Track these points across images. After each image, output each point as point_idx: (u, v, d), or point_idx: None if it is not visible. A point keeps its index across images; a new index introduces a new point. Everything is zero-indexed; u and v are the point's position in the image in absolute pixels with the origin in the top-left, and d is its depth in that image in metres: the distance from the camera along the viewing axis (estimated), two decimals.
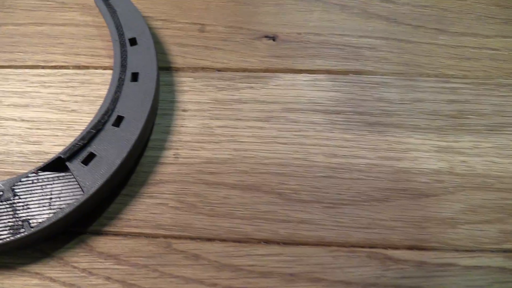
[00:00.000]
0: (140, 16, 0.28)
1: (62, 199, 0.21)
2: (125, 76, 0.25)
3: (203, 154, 0.24)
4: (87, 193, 0.21)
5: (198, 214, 0.22)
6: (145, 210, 0.23)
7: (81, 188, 0.21)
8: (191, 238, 0.22)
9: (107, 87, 0.27)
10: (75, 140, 0.23)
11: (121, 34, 0.27)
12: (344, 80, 0.27)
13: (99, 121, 0.23)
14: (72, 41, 0.30)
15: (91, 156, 0.22)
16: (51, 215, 0.21)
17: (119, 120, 0.24)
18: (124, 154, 0.22)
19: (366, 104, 0.26)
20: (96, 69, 0.28)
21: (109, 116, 0.24)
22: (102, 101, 0.26)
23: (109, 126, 0.23)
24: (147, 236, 0.22)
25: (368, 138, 0.25)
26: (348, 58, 0.28)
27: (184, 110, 0.26)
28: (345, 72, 0.27)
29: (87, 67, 0.28)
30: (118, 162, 0.22)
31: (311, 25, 0.30)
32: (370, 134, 0.25)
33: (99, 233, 0.22)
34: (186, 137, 0.25)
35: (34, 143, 0.25)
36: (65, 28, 0.31)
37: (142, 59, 0.26)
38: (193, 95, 0.27)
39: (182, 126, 0.25)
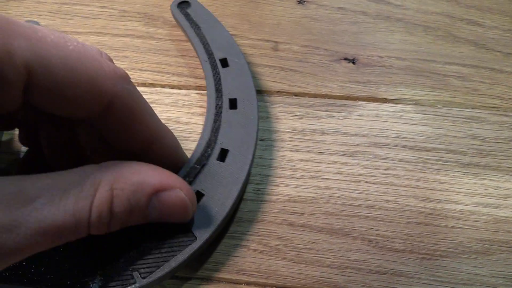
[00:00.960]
0: (227, 33, 0.26)
1: (173, 244, 0.19)
2: (222, 102, 0.23)
3: (285, 191, 0.22)
4: (200, 239, 0.19)
5: (283, 259, 0.21)
6: (225, 252, 0.21)
7: (192, 232, 0.19)
8: (278, 287, 0.20)
9: (176, 108, 0.25)
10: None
11: (210, 54, 0.25)
12: (433, 113, 0.25)
13: (202, 155, 0.21)
14: (136, 54, 0.28)
15: (199, 195, 0.20)
16: (163, 263, 0.19)
17: (223, 154, 0.22)
18: (235, 193, 0.20)
19: (459, 142, 0.24)
20: (163, 87, 0.26)
21: (212, 149, 0.22)
22: (173, 125, 0.24)
23: (213, 160, 0.21)
24: (227, 281, 0.20)
25: (463, 180, 0.23)
26: (435, 87, 0.26)
27: (262, 140, 0.24)
28: (433, 103, 0.25)
29: (153, 85, 0.27)
30: (229, 203, 0.20)
31: (393, 47, 0.28)
32: (465, 176, 0.23)
33: (173, 276, 0.20)
34: (265, 171, 0.23)
35: None
36: (127, 40, 0.29)
37: (238, 83, 0.24)
38: (270, 123, 0.25)
39: (261, 158, 0.24)
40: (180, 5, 0.28)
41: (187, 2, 0.28)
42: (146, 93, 0.26)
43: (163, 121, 0.24)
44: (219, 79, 0.24)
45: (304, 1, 0.30)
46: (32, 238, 0.14)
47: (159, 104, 0.26)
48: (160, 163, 0.18)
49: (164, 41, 0.29)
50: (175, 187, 0.17)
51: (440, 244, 0.21)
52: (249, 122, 0.22)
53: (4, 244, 0.13)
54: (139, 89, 0.25)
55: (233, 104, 0.23)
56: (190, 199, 0.18)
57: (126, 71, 0.26)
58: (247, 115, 0.22)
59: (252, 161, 0.22)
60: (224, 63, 0.25)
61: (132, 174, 0.16)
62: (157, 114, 0.23)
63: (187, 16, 0.27)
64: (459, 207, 0.22)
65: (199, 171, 0.21)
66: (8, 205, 0.13)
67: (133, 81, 0.26)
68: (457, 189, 0.23)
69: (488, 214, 0.22)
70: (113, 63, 0.18)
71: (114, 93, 0.16)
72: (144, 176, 0.16)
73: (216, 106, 0.23)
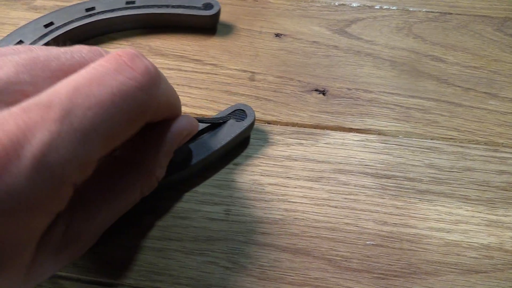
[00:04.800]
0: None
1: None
2: None
3: (254, 212, 0.24)
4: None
5: (249, 276, 0.22)
6: (196, 268, 0.23)
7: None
8: None
9: None
10: None
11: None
12: (395, 143, 0.27)
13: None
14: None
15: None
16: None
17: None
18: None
19: (417, 170, 0.26)
20: None
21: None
22: None
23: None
24: None
25: (418, 206, 0.25)
26: (398, 119, 0.28)
27: (235, 164, 0.26)
28: (396, 134, 0.27)
29: None
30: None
31: (361, 80, 0.30)
32: (420, 203, 0.25)
33: None
34: (236, 193, 0.25)
35: None
36: None
37: None
38: (243, 149, 0.27)
39: (233, 181, 0.25)
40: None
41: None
42: None
43: None
44: None
45: (281, 35, 0.32)
46: None
47: None
48: None
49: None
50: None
51: (394, 265, 0.23)
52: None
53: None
54: None
55: None
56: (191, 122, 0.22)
57: None
58: None
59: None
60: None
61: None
62: None
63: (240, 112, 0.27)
64: (413, 230, 0.24)
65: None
66: None
67: None
68: (412, 214, 0.24)
69: (440, 238, 0.24)
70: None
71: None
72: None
73: None
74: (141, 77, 0.17)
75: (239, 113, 0.27)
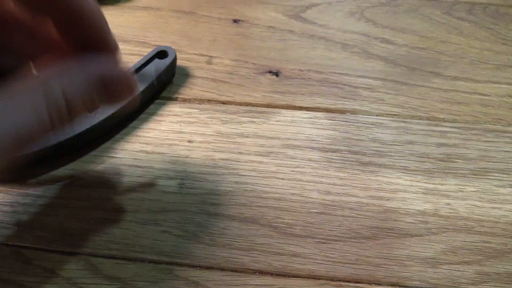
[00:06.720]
0: None
1: None
2: None
3: (206, 185, 0.26)
4: None
5: (199, 243, 0.24)
6: (150, 237, 0.24)
7: None
8: (192, 266, 0.23)
9: None
10: None
11: None
12: (342, 119, 0.29)
13: None
14: None
15: None
16: None
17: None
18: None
19: (361, 144, 0.28)
20: None
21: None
22: None
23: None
24: (150, 261, 0.24)
25: (360, 177, 0.26)
26: (346, 97, 0.30)
27: (189, 141, 0.28)
28: (343, 111, 0.29)
29: None
30: None
31: (313, 62, 0.32)
32: (363, 174, 0.27)
33: (105, 256, 0.24)
34: (190, 168, 0.27)
35: None
36: None
37: None
38: (198, 127, 0.28)
39: (187, 157, 0.27)
40: None
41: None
42: None
43: None
44: None
45: (239, 20, 0.34)
46: None
47: None
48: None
49: None
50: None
51: (335, 230, 0.25)
52: None
53: None
54: None
55: None
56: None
57: None
58: None
59: None
60: None
61: None
62: None
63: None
64: (354, 199, 0.26)
65: None
66: None
67: None
68: (354, 184, 0.26)
69: (379, 205, 0.26)
70: None
71: None
72: None
73: None
74: None
75: (160, 54, 0.30)
